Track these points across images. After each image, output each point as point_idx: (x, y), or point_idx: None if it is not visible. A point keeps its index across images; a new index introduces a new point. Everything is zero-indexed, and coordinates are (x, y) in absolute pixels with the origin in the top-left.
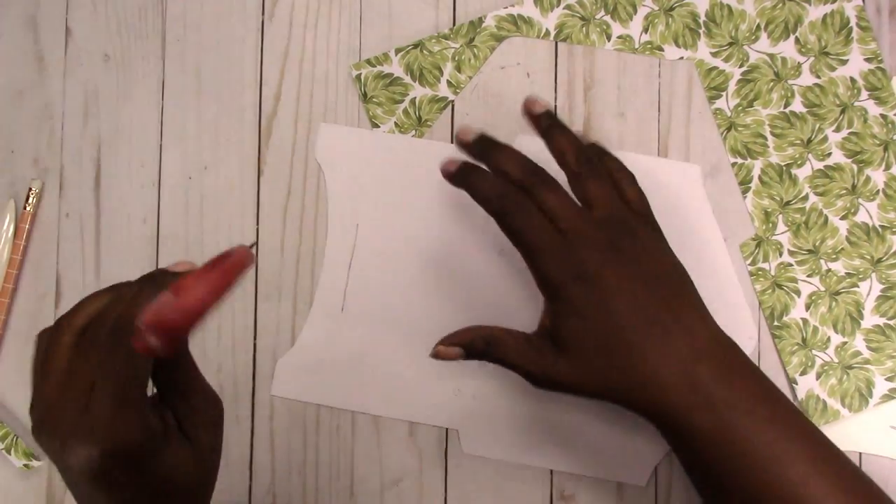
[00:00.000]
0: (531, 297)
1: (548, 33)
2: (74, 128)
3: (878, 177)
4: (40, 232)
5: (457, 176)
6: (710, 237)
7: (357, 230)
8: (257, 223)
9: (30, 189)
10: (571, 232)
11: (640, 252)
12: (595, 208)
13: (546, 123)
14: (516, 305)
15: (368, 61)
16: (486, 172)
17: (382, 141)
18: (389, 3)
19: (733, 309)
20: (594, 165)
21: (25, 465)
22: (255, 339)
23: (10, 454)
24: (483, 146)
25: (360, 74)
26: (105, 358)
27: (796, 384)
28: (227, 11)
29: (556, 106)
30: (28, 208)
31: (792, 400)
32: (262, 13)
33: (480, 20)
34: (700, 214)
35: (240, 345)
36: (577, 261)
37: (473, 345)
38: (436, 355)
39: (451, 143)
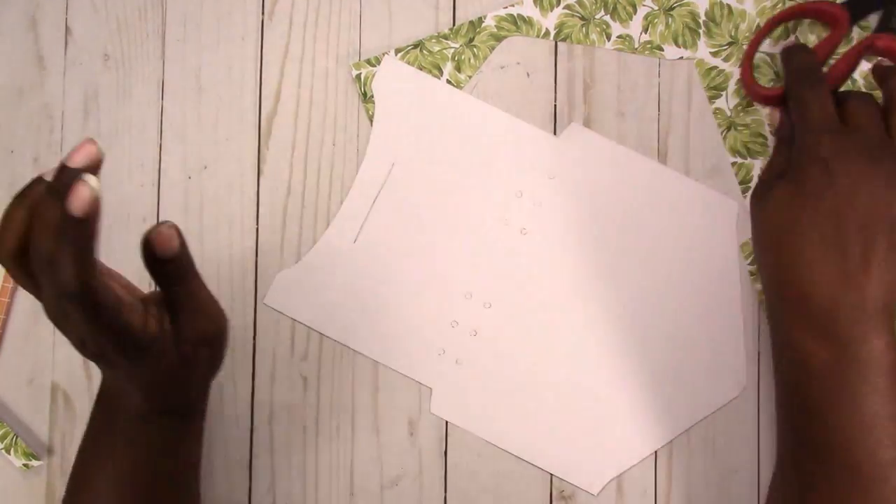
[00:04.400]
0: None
1: (548, 33)
2: (74, 128)
3: None
4: None
5: (787, 51)
6: (730, 275)
7: (391, 169)
8: (257, 223)
9: None
10: (853, 127)
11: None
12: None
13: None
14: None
15: (368, 61)
16: (806, 50)
17: (440, 89)
18: (389, 3)
19: (733, 353)
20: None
21: (25, 465)
22: (254, 339)
23: (10, 454)
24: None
25: (360, 74)
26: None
27: None
28: (227, 11)
29: (555, 106)
30: None
31: None
32: (262, 13)
33: (480, 20)
34: (725, 249)
35: (239, 345)
36: (848, 148)
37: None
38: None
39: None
